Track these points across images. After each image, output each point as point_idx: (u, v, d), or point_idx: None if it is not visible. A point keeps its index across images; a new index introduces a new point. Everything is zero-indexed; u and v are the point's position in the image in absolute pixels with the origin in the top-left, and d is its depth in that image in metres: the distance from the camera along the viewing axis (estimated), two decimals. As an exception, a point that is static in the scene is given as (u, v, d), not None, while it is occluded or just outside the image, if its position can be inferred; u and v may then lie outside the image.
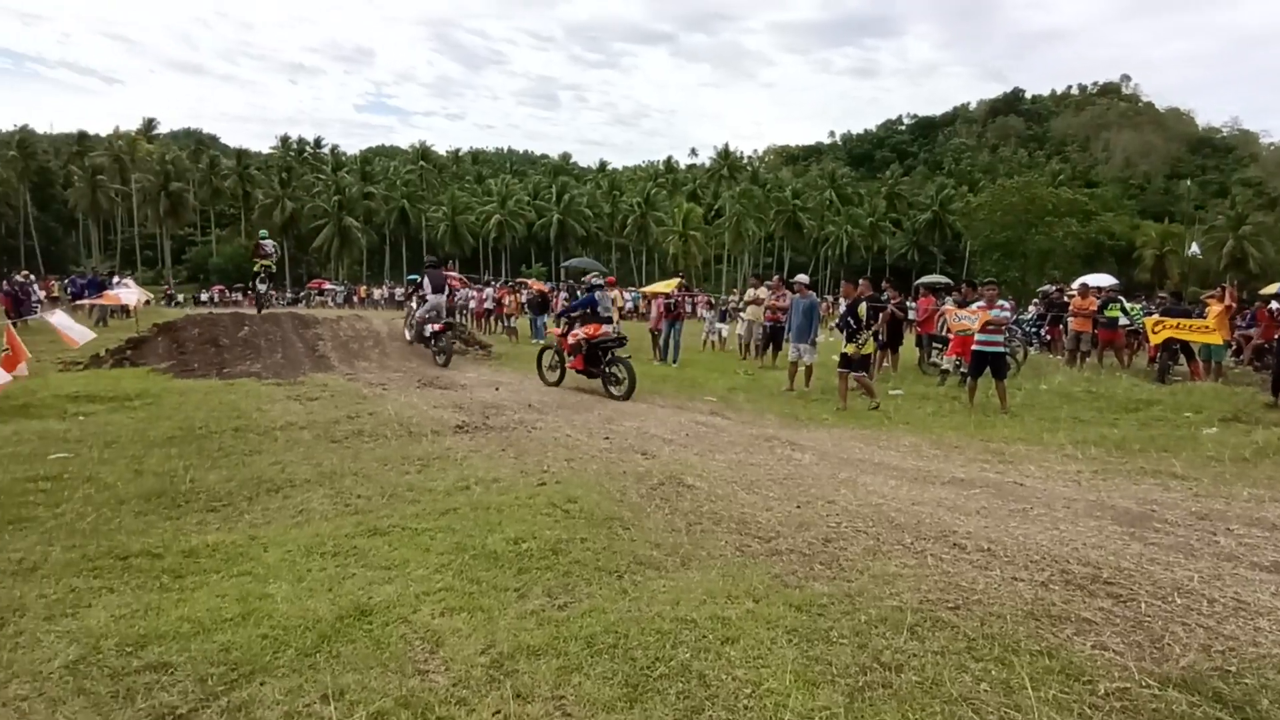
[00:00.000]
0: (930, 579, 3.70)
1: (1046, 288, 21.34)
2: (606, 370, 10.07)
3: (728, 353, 18.02)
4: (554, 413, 8.42)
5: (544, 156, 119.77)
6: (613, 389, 9.92)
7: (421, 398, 9.19)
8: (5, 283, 23.19)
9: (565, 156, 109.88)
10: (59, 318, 8.99)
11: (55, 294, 29.66)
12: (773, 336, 15.17)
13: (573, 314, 10.90)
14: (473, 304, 24.33)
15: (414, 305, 14.28)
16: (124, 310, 18.74)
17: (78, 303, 20.75)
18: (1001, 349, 9.63)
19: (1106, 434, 7.77)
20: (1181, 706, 2.56)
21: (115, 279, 29.18)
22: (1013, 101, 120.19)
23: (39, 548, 3.98)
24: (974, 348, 9.70)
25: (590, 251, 67.09)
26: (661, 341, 15.28)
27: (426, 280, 13.33)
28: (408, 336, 14.34)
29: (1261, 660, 2.89)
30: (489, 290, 24.85)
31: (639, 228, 74.47)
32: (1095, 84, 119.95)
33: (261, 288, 17.49)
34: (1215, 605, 3.42)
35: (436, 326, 13.00)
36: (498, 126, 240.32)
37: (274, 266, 17.78)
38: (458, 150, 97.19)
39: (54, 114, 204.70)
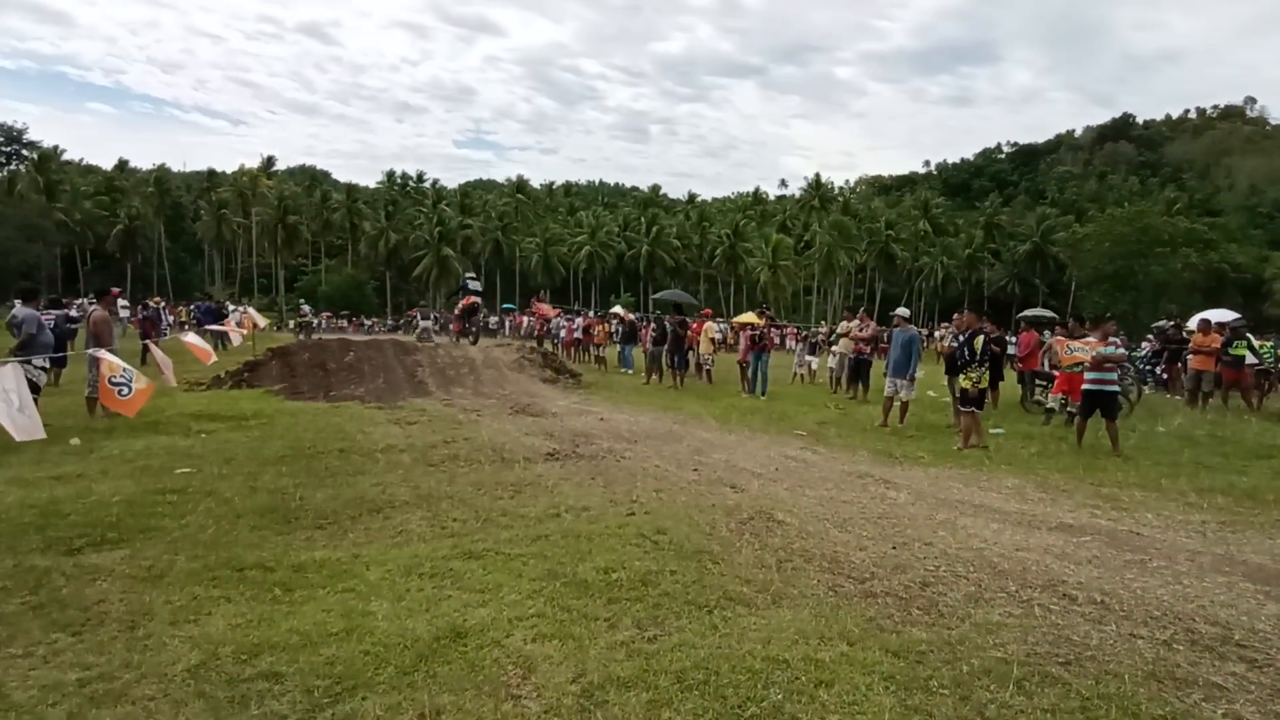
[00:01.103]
0: (1038, 630, 3.50)
1: (1162, 323, 20.04)
2: None
3: (817, 386, 17.69)
4: (643, 443, 8.46)
5: (634, 189, 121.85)
6: None
7: (514, 424, 9.42)
8: (140, 308, 25.23)
9: (655, 188, 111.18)
10: (191, 337, 9.75)
11: (183, 319, 32.01)
12: (857, 369, 14.83)
13: None
14: (563, 333, 24.85)
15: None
16: (230, 338, 20.01)
17: (202, 328, 22.37)
18: (1114, 388, 9.08)
19: (1235, 482, 7.19)
20: (1331, 788, 2.33)
21: (233, 307, 31.29)
22: (1123, 127, 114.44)
23: (166, 556, 4.27)
24: (1084, 386, 9.19)
25: (679, 283, 67.39)
26: (750, 374, 15.16)
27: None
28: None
29: None
30: (579, 320, 25.32)
31: (727, 259, 74.49)
32: (1215, 107, 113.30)
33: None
34: (1369, 677, 3.09)
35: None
36: (589, 160, 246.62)
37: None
38: (551, 183, 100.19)
39: (187, 153, 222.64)
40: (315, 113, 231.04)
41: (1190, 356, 14.28)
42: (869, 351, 14.97)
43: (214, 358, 9.84)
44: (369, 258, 76.58)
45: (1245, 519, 5.89)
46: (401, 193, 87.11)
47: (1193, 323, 16.65)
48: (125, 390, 7.75)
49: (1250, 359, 14.20)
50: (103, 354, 6.82)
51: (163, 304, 29.41)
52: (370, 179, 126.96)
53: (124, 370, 7.78)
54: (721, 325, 31.05)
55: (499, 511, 5.40)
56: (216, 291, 64.19)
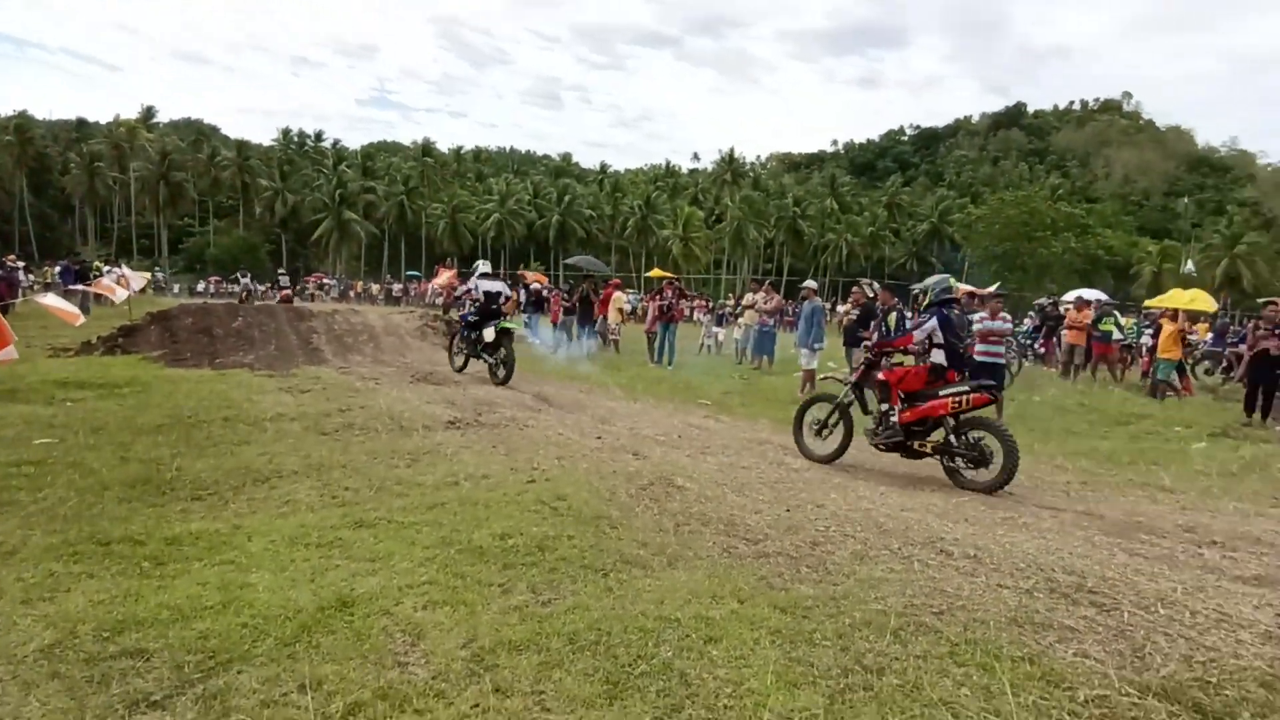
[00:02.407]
0: (916, 584, 3.69)
1: (1042, 300, 21.40)
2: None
3: (723, 357, 18.02)
4: (547, 411, 8.40)
5: (546, 157, 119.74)
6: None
7: (414, 393, 9.16)
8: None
9: (567, 157, 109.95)
10: (51, 299, 8.99)
11: (47, 280, 29.52)
12: (761, 341, 15.23)
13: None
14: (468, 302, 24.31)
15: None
16: (109, 301, 18.57)
17: (68, 289, 20.68)
18: (1001, 360, 9.66)
19: (1097, 446, 7.79)
20: (1161, 716, 2.56)
21: (108, 268, 29.07)
22: (1015, 115, 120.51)
23: (19, 532, 3.95)
24: (976, 357, 9.74)
25: (591, 252, 67.13)
26: (657, 344, 15.28)
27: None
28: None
29: (1243, 672, 2.88)
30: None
31: (639, 230, 74.48)
32: (1097, 100, 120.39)
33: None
34: (1198, 617, 3.41)
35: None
36: (500, 125, 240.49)
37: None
38: (459, 148, 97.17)
39: (54, 100, 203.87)
40: (201, 62, 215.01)
41: (1065, 332, 15.32)
42: (772, 323, 15.36)
43: (83, 319, 9.10)
44: (263, 219, 72.52)
45: (1104, 479, 6.40)
46: (299, 152, 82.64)
47: (1068, 299, 17.88)
48: None
49: (1116, 335, 15.37)
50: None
51: (21, 264, 26.94)
52: (264, 136, 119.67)
53: None
54: (631, 296, 31.15)
55: (394, 480, 5.26)
56: (89, 251, 59.39)
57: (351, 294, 45.06)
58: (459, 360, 11.35)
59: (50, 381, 8.34)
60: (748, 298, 16.59)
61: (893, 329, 9.54)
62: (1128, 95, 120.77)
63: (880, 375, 6.47)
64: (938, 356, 6.24)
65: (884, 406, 6.39)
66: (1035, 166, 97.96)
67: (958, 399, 5.93)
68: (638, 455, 6.36)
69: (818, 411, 6.92)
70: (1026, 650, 3.01)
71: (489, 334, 10.51)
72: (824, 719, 2.50)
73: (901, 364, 6.59)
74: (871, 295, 10.81)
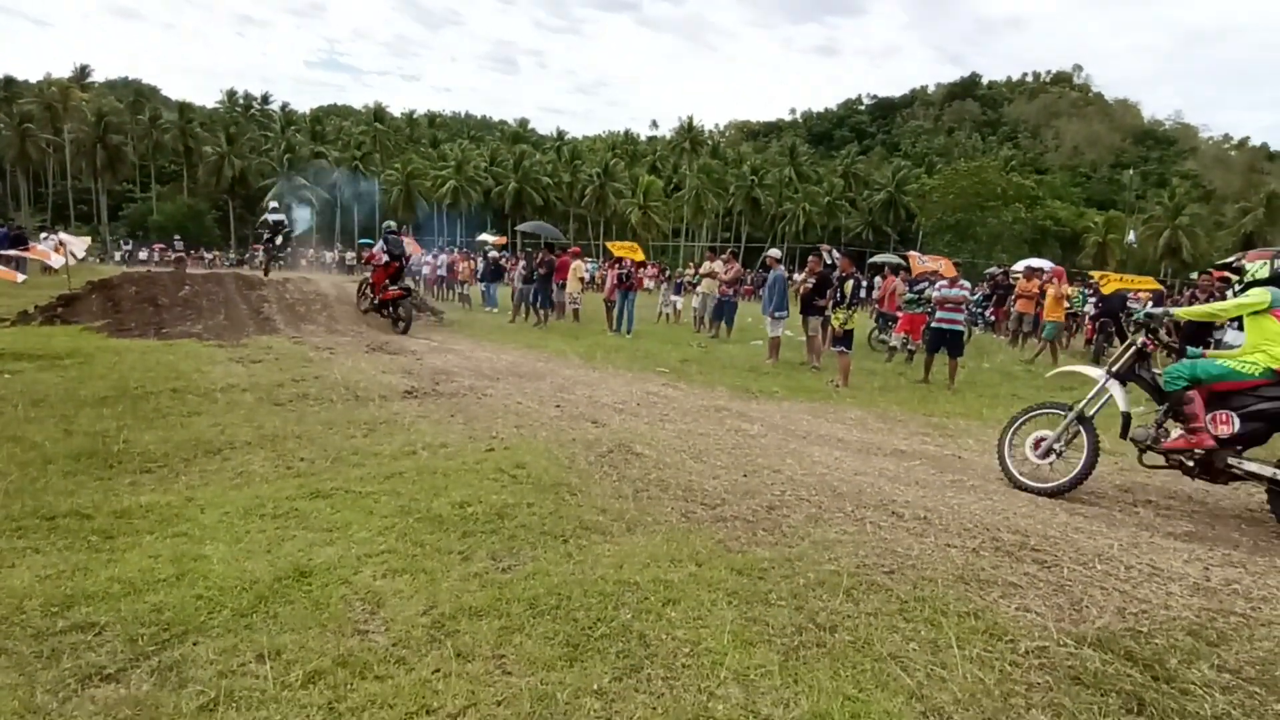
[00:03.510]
0: (868, 545, 3.80)
1: (992, 270, 21.89)
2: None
3: (682, 325, 18.09)
4: (506, 380, 8.36)
5: (502, 122, 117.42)
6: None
7: (370, 362, 9.03)
8: (-75, 234, 21.91)
9: (523, 123, 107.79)
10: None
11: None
12: (720, 309, 15.33)
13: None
14: (426, 270, 23.93)
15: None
16: (48, 269, 17.85)
17: (4, 253, 19.77)
18: (960, 327, 9.90)
19: (1042, 411, 8.05)
20: (1095, 664, 2.70)
21: (45, 235, 27.86)
22: (970, 86, 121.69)
23: (-41, 507, 3.82)
24: (934, 324, 9.97)
25: (548, 219, 66.27)
26: (616, 312, 15.27)
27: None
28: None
29: (1172, 622, 3.05)
30: (443, 256, 24.46)
31: (598, 198, 73.83)
32: (1049, 72, 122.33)
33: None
34: (1131, 571, 3.59)
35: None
36: (455, 90, 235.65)
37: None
38: (412, 112, 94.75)
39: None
40: (137, 18, 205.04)
41: (1014, 300, 15.72)
42: (732, 293, 15.45)
43: (21, 278, 8.75)
44: (208, 185, 69.98)
45: (1048, 443, 6.61)
46: (245, 115, 79.64)
47: (1017, 268, 18.31)
48: None
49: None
50: None
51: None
52: (208, 98, 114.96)
53: None
54: (590, 265, 30.99)
55: (350, 450, 5.20)
56: (23, 217, 56.75)
57: (303, 262, 43.83)
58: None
59: (-15, 353, 8.01)
60: (705, 266, 16.63)
61: (848, 296, 9.69)
62: (1078, 68, 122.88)
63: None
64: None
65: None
66: (988, 137, 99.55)
67: None
68: (597, 423, 6.39)
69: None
70: (972, 606, 3.14)
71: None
72: (779, 675, 2.57)
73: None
74: (830, 263, 10.94)
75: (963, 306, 10.00)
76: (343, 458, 5.02)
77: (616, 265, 16.15)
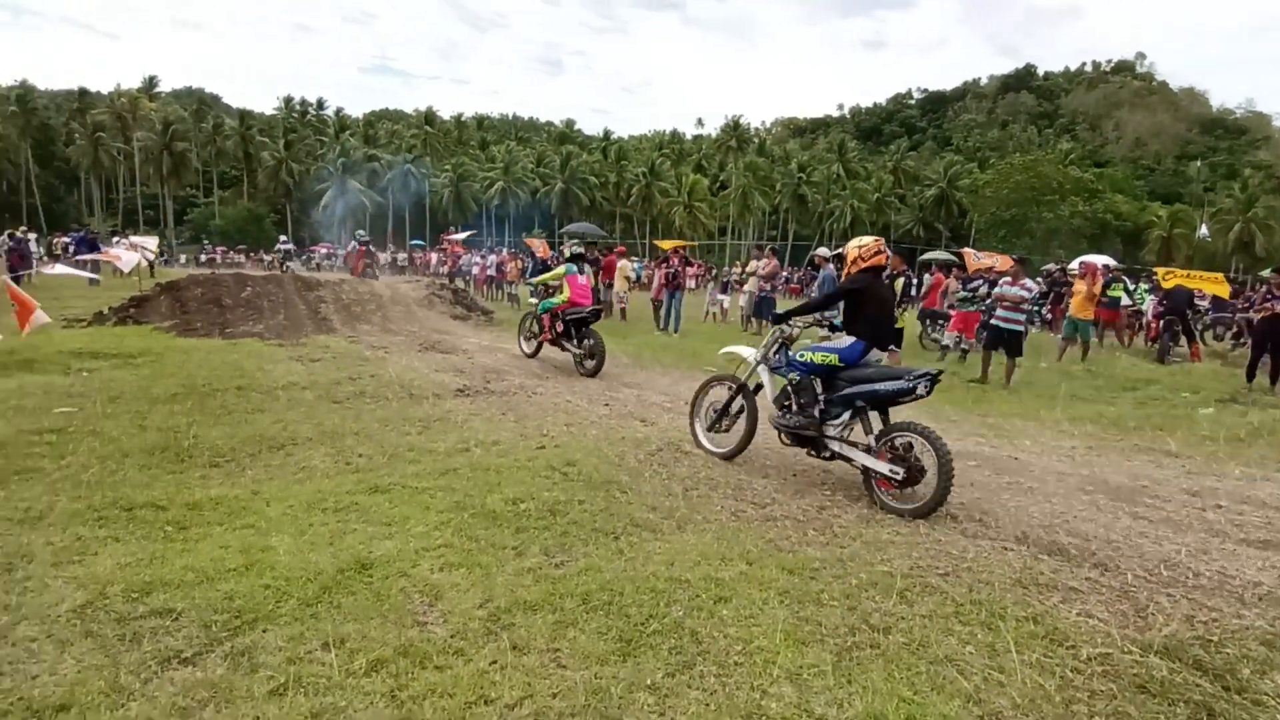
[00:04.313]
0: (921, 547, 3.76)
1: (1049, 266, 21.26)
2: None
3: (729, 324, 18.02)
4: (555, 379, 8.46)
5: (549, 123, 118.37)
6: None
7: (423, 361, 9.22)
8: (8, 239, 23.10)
9: (570, 123, 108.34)
10: (60, 268, 9.07)
11: (57, 252, 29.56)
12: (761, 306, 15.22)
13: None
14: (476, 270, 24.32)
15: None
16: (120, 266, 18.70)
17: (78, 258, 20.74)
18: (1019, 327, 9.63)
19: (1103, 411, 7.81)
20: (1162, 672, 2.62)
21: (116, 238, 29.10)
22: (1024, 78, 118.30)
23: (45, 498, 4.03)
24: (993, 323, 9.74)
25: (595, 220, 66.67)
26: (663, 311, 15.29)
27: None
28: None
29: (1244, 631, 2.95)
30: (492, 257, 24.82)
31: (644, 198, 73.94)
32: (1110, 62, 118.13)
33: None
34: (1200, 578, 3.48)
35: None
36: (503, 92, 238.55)
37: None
38: (461, 115, 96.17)
39: (54, 70, 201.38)
40: (201, 29, 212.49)
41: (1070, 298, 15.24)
42: (770, 288, 15.31)
43: (98, 279, 9.21)
44: (267, 189, 72.22)
45: (1109, 444, 6.43)
46: (301, 121, 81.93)
47: (1074, 266, 17.77)
48: None
49: (1125, 301, 15.29)
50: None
51: (32, 235, 26.98)
52: (266, 105, 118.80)
53: None
54: (636, 264, 31.05)
55: (406, 446, 5.33)
56: (96, 223, 59.38)
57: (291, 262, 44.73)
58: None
59: (66, 352, 8.41)
60: (751, 264, 16.54)
61: (899, 293, 9.53)
62: (1141, 56, 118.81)
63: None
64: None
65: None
66: (1045, 130, 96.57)
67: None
68: (645, 422, 6.43)
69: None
70: (1030, 610, 3.08)
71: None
72: (832, 675, 2.57)
73: None
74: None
75: (1023, 306, 9.71)
76: (399, 454, 5.15)
77: (664, 265, 16.16)
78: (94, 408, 6.04)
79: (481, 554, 3.47)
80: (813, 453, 4.88)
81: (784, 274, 33.88)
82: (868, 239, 4.98)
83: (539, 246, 22.94)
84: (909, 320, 10.31)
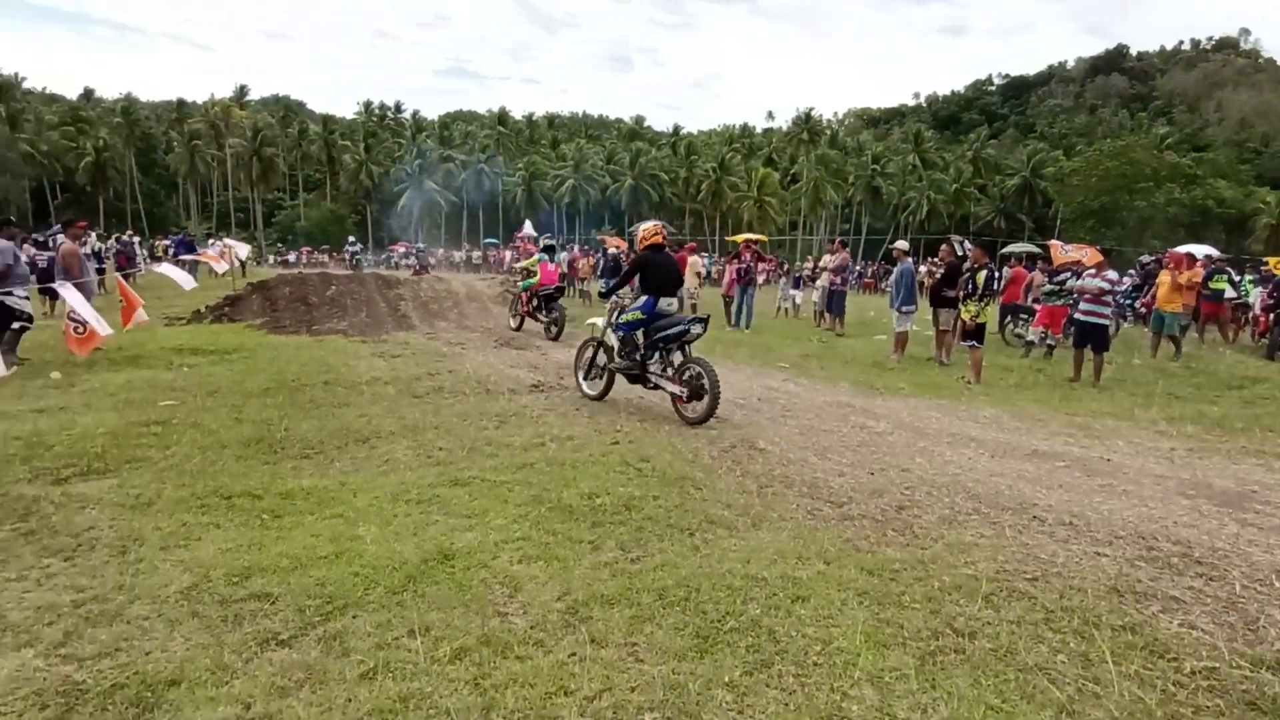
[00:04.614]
0: (1007, 549, 3.63)
1: (1145, 257, 20.17)
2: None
3: (801, 320, 17.76)
4: (626, 375, 8.49)
5: (618, 120, 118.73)
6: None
7: (498, 357, 9.43)
8: (115, 241, 24.70)
9: (639, 120, 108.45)
10: (165, 267, 9.64)
11: (159, 254, 31.41)
12: (831, 300, 14.93)
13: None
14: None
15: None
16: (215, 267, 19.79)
17: (180, 258, 22.03)
18: (1104, 321, 9.17)
19: (1205, 411, 7.37)
20: (1275, 688, 2.47)
21: (212, 241, 30.73)
22: (1115, 59, 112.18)
23: (153, 485, 4.30)
24: (1078, 318, 9.32)
25: (664, 216, 66.64)
26: (734, 307, 15.18)
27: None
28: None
29: (1367, 648, 2.74)
30: (563, 254, 25.09)
31: (713, 193, 73.53)
32: (1210, 39, 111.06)
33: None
34: (1318, 590, 3.25)
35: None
36: (572, 90, 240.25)
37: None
38: (532, 114, 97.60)
39: (154, 82, 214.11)
40: (286, 39, 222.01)
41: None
42: (839, 282, 14.98)
43: (194, 283, 9.81)
44: (349, 191, 75.04)
45: (1213, 446, 6.06)
46: (379, 124, 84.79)
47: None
48: (79, 330, 7.63)
49: (1230, 293, 14.38)
50: (68, 291, 6.68)
51: (136, 238, 28.76)
52: (346, 109, 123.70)
53: (81, 311, 7.65)
54: (706, 260, 30.92)
55: (484, 441, 5.46)
56: (193, 226, 62.86)
57: (433, 262, 46.25)
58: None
59: (168, 348, 8.95)
60: (825, 259, 16.24)
61: (980, 287, 9.20)
62: (1245, 32, 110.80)
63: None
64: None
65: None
66: (1138, 114, 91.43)
67: None
68: (718, 418, 6.39)
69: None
70: (1128, 619, 2.94)
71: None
72: (915, 680, 2.51)
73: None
74: (960, 254, 10.40)
75: (1105, 298, 9.21)
76: (477, 448, 5.27)
77: (736, 260, 16.04)
78: (194, 401, 6.41)
79: (559, 547, 3.53)
80: (643, 385, 6.68)
81: (856, 268, 33.12)
82: (649, 224, 6.99)
83: (614, 242, 23.10)
84: (991, 315, 9.92)
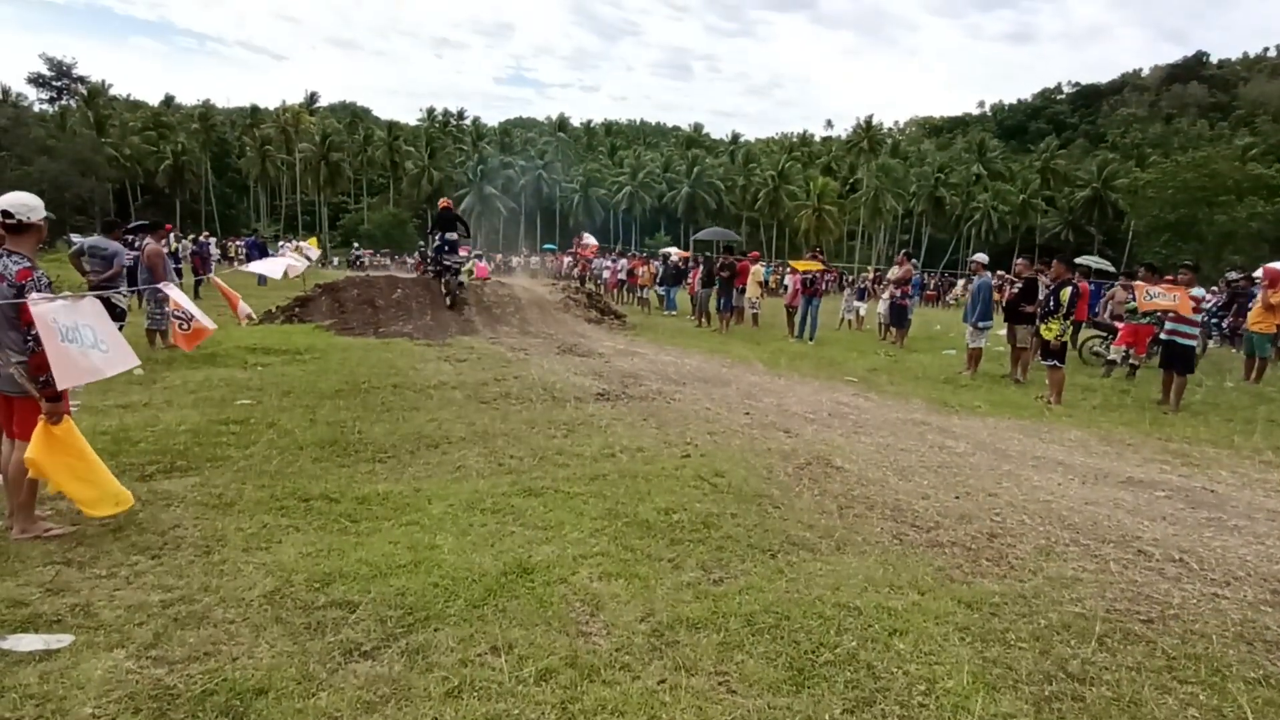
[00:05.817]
0: (1115, 586, 3.40)
1: (1232, 274, 19.16)
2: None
3: (865, 332, 17.38)
4: (692, 385, 8.39)
5: (676, 127, 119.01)
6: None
7: (562, 364, 9.41)
8: (192, 243, 25.66)
9: (697, 127, 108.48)
10: (253, 265, 10.01)
11: (231, 255, 32.55)
12: (893, 313, 14.55)
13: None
14: (606, 274, 24.70)
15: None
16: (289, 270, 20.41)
17: (249, 262, 22.75)
18: (1190, 342, 8.60)
19: (1313, 441, 6.89)
20: None
21: (280, 243, 31.68)
22: (1194, 66, 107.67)
23: (234, 485, 4.35)
24: (1163, 337, 8.82)
25: (721, 223, 66.35)
26: (798, 318, 14.92)
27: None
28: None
29: None
30: (622, 261, 25.12)
31: (771, 201, 72.97)
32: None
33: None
34: None
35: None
36: (631, 98, 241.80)
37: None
38: (589, 121, 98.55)
39: (230, 89, 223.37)
40: (354, 48, 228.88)
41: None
42: (901, 294, 14.57)
43: (283, 274, 10.28)
44: (411, 196, 76.78)
45: (1327, 479, 5.64)
46: (442, 130, 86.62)
47: (1259, 274, 15.89)
48: (184, 326, 7.85)
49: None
50: (171, 290, 6.89)
51: (211, 239, 29.86)
52: (410, 116, 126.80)
53: (186, 306, 7.87)
54: (765, 269, 30.59)
55: (554, 450, 5.40)
56: (263, 228, 65.13)
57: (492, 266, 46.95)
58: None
59: (242, 348, 9.18)
60: (893, 271, 15.84)
61: (1065, 304, 8.78)
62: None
63: None
64: None
65: None
66: (1218, 123, 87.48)
67: None
68: (789, 433, 6.24)
69: None
70: (1261, 670, 2.70)
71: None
72: (1031, 727, 2.33)
73: None
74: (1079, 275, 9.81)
75: (1194, 316, 8.63)
76: (548, 457, 5.22)
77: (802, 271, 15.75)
78: (270, 401, 6.52)
79: (639, 565, 3.43)
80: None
81: (919, 278, 32.21)
82: None
83: (674, 252, 23.10)
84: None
